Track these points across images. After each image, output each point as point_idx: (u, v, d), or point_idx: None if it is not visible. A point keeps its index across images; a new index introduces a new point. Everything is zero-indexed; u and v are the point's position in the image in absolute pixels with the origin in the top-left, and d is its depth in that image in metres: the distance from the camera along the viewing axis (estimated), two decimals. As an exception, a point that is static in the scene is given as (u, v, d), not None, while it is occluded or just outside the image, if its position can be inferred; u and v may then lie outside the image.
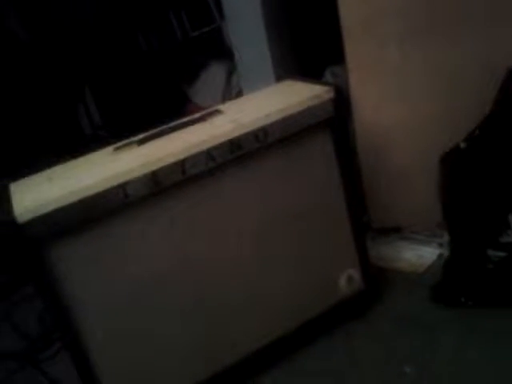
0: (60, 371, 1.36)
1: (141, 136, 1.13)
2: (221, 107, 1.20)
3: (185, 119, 1.17)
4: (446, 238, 1.32)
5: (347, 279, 1.24)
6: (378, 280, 1.34)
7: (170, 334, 1.09)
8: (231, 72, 2.17)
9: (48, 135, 2.15)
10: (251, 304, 1.15)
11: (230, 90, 2.19)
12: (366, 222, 1.49)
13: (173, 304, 1.08)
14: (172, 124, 1.16)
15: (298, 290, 1.19)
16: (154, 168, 0.98)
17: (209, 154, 1.02)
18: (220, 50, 2.20)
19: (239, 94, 2.06)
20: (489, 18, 1.29)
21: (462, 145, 1.21)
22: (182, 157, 1.00)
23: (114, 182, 0.96)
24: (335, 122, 1.12)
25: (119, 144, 1.12)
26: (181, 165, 1.00)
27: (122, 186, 0.97)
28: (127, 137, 1.15)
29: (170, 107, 2.22)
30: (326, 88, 1.12)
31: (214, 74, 2.25)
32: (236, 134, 1.04)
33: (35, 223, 0.91)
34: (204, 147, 1.02)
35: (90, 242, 0.98)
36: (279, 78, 1.45)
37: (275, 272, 1.16)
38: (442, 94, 1.37)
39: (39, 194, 0.97)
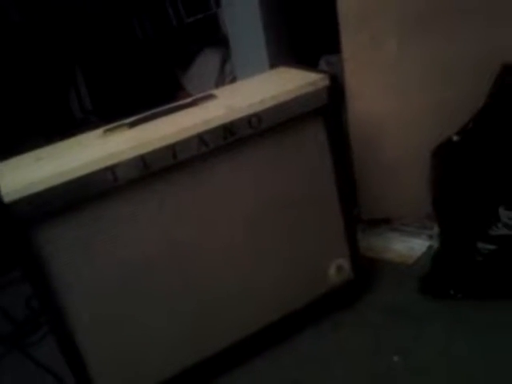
0: (47, 355, 1.35)
1: (132, 119, 1.11)
2: (214, 92, 1.19)
3: (177, 103, 1.16)
4: (435, 229, 1.33)
5: (337, 269, 1.24)
6: (368, 270, 1.34)
7: (158, 320, 1.08)
8: (225, 59, 2.15)
9: (38, 118, 2.12)
10: (240, 291, 1.15)
11: (223, 78, 2.17)
12: (356, 212, 1.49)
13: (161, 289, 1.07)
14: (164, 108, 1.14)
15: (287, 278, 1.19)
16: (143, 151, 0.97)
17: (201, 138, 1.01)
18: (215, 37, 2.18)
19: (233, 81, 2.04)
20: (485, 13, 1.29)
21: (455, 138, 1.21)
22: (172, 140, 0.99)
23: (103, 164, 0.95)
24: (329, 110, 1.12)
25: (109, 126, 1.11)
26: (171, 149, 0.99)
27: (111, 169, 0.95)
28: (117, 120, 1.13)
29: (162, 94, 2.20)
30: (320, 75, 1.11)
31: (208, 62, 2.24)
32: (229, 118, 1.03)
33: (22, 203, 0.90)
34: (196, 131, 1.00)
35: (79, 224, 0.97)
36: (274, 64, 1.44)
37: (265, 260, 1.16)
38: (437, 86, 1.36)
39: (27, 174, 0.96)
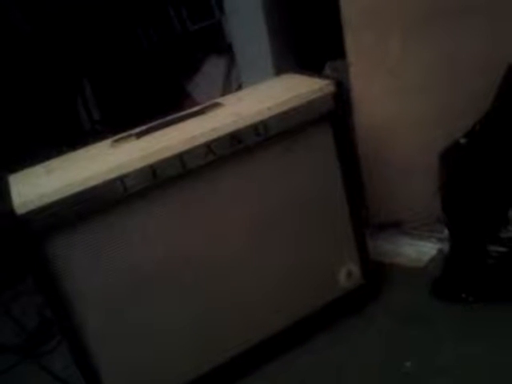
0: (59, 365, 1.36)
1: (139, 129, 1.12)
2: (220, 100, 1.20)
3: (184, 112, 1.17)
4: (445, 233, 1.32)
5: (347, 274, 1.24)
6: (378, 275, 1.34)
7: (169, 327, 1.09)
8: (231, 66, 2.16)
9: (47, 128, 2.14)
10: (251, 297, 1.15)
11: (229, 85, 2.18)
12: (365, 216, 1.48)
13: (171, 296, 1.08)
14: (171, 117, 1.15)
15: (297, 283, 1.19)
16: (152, 161, 0.98)
17: (208, 147, 1.02)
18: (220, 45, 2.19)
19: (239, 88, 2.05)
20: (489, 13, 1.28)
21: (462, 140, 1.21)
22: (180, 150, 1.00)
23: (113, 175, 0.96)
24: (336, 115, 1.12)
25: (118, 137, 1.12)
26: (179, 158, 1.00)
27: (121, 179, 0.96)
28: (125, 130, 1.14)
29: (168, 102, 2.21)
30: (326, 81, 1.11)
31: (214, 69, 2.24)
32: (236, 127, 1.04)
33: (34, 215, 0.91)
34: (203, 140, 1.01)
35: (89, 234, 0.98)
36: (279, 71, 1.44)
37: (274, 266, 1.16)
38: (442, 88, 1.36)
39: (38, 185, 0.97)
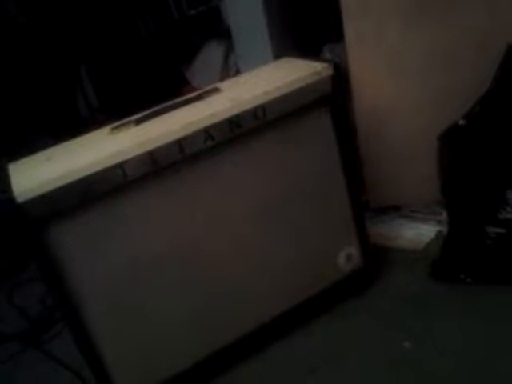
0: (62, 351, 1.37)
1: (138, 115, 1.12)
2: (219, 85, 1.19)
3: (183, 98, 1.16)
4: (444, 215, 1.32)
5: (346, 257, 1.25)
6: (378, 258, 1.34)
7: (170, 313, 1.10)
8: (229, 51, 2.15)
9: (45, 117, 2.13)
10: (250, 281, 1.16)
11: (227, 70, 2.17)
12: (364, 200, 1.49)
13: (172, 282, 1.08)
14: (169, 103, 1.15)
15: (297, 267, 1.20)
16: (151, 147, 0.98)
17: (207, 132, 1.02)
18: (217, 30, 2.18)
19: (237, 73, 2.04)
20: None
21: (461, 122, 1.21)
22: (179, 136, 1.00)
23: (113, 162, 0.96)
24: (334, 99, 1.12)
25: (116, 124, 1.12)
26: (178, 144, 1.00)
27: (121, 166, 0.96)
28: (123, 118, 1.14)
29: (166, 88, 2.20)
30: (324, 65, 1.11)
31: (212, 54, 2.23)
32: (234, 112, 1.03)
33: (34, 203, 0.91)
34: (202, 125, 1.01)
35: (90, 221, 0.98)
36: (277, 56, 1.44)
37: (274, 250, 1.17)
38: (441, 70, 1.36)
39: (38, 173, 0.97)
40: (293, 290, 1.21)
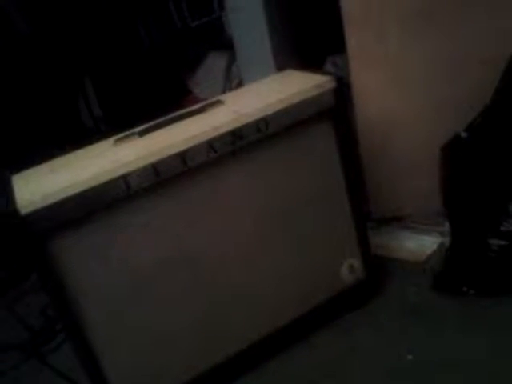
0: (63, 362, 1.37)
1: (141, 127, 1.13)
2: (221, 97, 1.20)
3: (186, 110, 1.17)
4: (446, 226, 1.32)
5: (348, 268, 1.25)
6: (380, 269, 1.34)
7: (172, 324, 1.10)
8: (231, 62, 2.16)
9: (49, 127, 2.14)
10: (252, 293, 1.16)
11: (230, 81, 2.18)
12: (366, 211, 1.49)
13: (174, 294, 1.08)
14: (173, 115, 1.16)
15: (298, 279, 1.20)
16: (154, 159, 0.99)
17: (210, 145, 1.02)
18: (220, 41, 2.19)
19: (239, 84, 2.05)
20: (488, 7, 1.28)
21: (463, 134, 1.21)
22: (182, 148, 1.00)
23: (116, 174, 0.96)
24: (336, 111, 1.12)
25: (120, 135, 1.12)
26: (181, 156, 1.00)
27: (124, 178, 0.97)
28: (127, 129, 1.15)
29: (169, 99, 2.22)
30: (327, 78, 1.12)
31: (214, 65, 2.25)
32: (237, 124, 1.04)
33: (38, 215, 0.92)
34: (205, 138, 1.02)
35: (93, 233, 0.98)
36: (280, 67, 1.45)
37: (276, 261, 1.17)
38: (443, 81, 1.36)
39: (42, 185, 0.98)
40: (293, 302, 1.20)
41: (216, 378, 1.16)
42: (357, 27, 1.35)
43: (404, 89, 1.40)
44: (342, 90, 1.12)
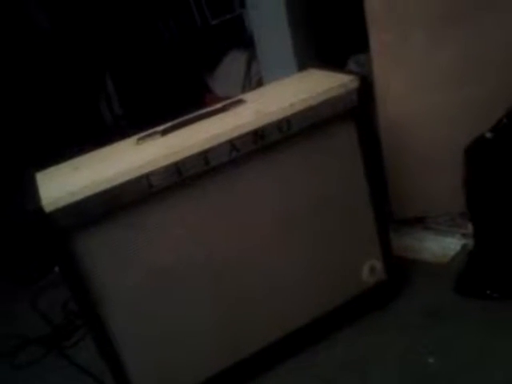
0: (84, 356, 1.39)
1: (164, 126, 1.13)
2: (243, 97, 1.20)
3: (208, 109, 1.17)
4: (470, 228, 1.30)
5: (370, 270, 1.24)
6: (401, 271, 1.33)
7: (192, 322, 1.10)
8: (251, 60, 2.16)
9: (71, 125, 2.16)
10: (273, 294, 1.15)
11: (250, 79, 2.18)
12: (388, 212, 1.48)
13: (195, 292, 1.09)
14: (194, 114, 1.16)
15: (319, 280, 1.19)
16: (177, 159, 0.99)
17: (232, 144, 1.02)
18: (240, 39, 2.19)
19: (259, 82, 2.05)
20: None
21: (488, 135, 1.19)
22: (205, 147, 1.00)
23: (139, 173, 0.97)
24: (360, 111, 1.11)
25: (142, 134, 1.13)
26: (204, 155, 1.01)
27: (147, 177, 0.97)
28: (147, 127, 1.15)
29: (190, 97, 2.22)
30: (350, 77, 1.10)
31: (234, 63, 2.25)
32: (259, 124, 1.04)
33: (62, 212, 0.93)
34: (227, 138, 1.02)
35: (115, 230, 0.99)
36: (302, 66, 1.44)
37: (297, 262, 1.16)
38: (468, 82, 1.35)
39: (65, 183, 0.98)
40: (315, 303, 1.20)
41: (236, 376, 1.16)
42: (380, 27, 1.34)
43: (428, 89, 1.38)
44: (366, 90, 1.11)
